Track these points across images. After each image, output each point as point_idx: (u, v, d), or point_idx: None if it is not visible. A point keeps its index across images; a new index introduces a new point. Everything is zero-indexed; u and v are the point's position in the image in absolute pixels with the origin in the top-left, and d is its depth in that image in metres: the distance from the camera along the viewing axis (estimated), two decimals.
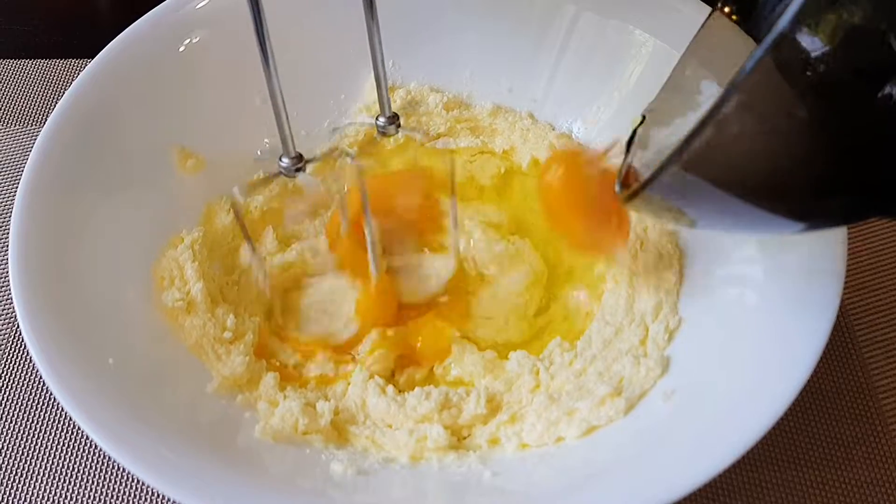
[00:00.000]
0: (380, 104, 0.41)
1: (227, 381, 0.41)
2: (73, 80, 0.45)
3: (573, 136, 0.51)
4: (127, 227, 0.43)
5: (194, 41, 0.48)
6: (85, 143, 0.43)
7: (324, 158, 0.43)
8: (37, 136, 0.43)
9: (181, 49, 0.48)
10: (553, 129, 0.51)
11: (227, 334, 0.43)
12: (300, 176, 0.39)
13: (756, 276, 0.41)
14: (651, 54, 0.48)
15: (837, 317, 0.37)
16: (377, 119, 0.42)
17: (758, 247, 0.42)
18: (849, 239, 0.39)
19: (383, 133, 0.42)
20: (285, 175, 0.39)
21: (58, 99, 0.44)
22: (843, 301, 0.46)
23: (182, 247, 0.44)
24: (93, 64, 0.45)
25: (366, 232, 0.41)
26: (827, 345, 0.36)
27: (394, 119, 0.42)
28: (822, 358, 0.36)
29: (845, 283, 0.38)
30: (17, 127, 0.57)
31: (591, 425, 0.40)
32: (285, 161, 0.39)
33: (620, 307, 0.45)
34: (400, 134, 0.43)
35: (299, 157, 0.39)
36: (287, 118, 0.38)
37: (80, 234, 0.41)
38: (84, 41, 0.58)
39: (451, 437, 0.40)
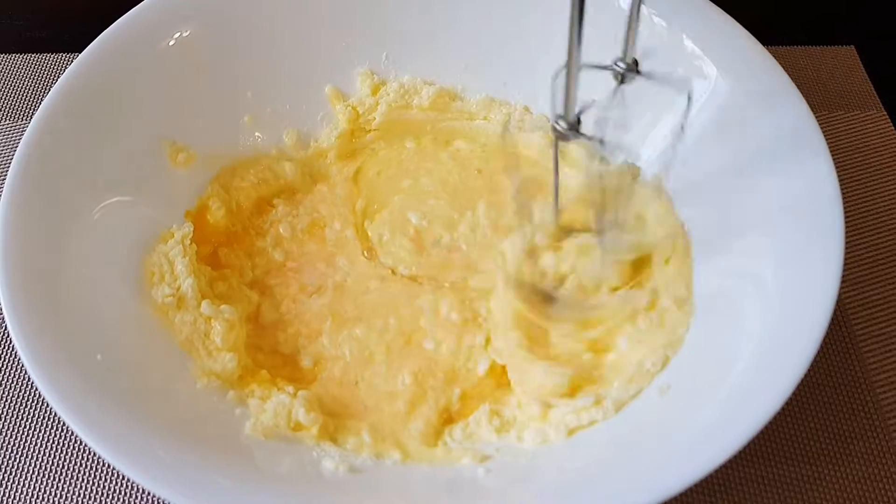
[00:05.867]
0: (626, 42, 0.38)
1: (218, 378, 0.40)
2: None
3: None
4: (117, 221, 0.43)
5: (184, 35, 0.47)
6: (73, 137, 0.43)
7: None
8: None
9: (171, 43, 0.47)
10: (548, 121, 0.50)
11: (218, 329, 0.42)
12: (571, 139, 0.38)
13: (752, 270, 0.41)
14: (647, 46, 0.47)
15: (835, 311, 0.37)
16: (617, 63, 0.39)
17: (754, 240, 0.41)
18: (846, 233, 0.39)
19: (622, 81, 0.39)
20: (560, 138, 0.38)
21: (48, 94, 0.43)
22: (840, 295, 0.46)
23: (172, 242, 0.44)
24: (81, 58, 0.45)
25: None
26: (824, 339, 0.36)
27: (635, 64, 0.39)
28: (819, 352, 0.35)
29: (843, 277, 0.38)
30: (8, 122, 0.56)
31: (588, 420, 0.39)
32: (564, 126, 0.37)
33: None
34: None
35: (578, 121, 0.37)
36: (577, 82, 0.36)
37: (69, 229, 0.41)
38: (75, 35, 0.58)
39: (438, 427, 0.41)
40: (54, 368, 0.36)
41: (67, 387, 0.35)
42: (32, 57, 0.60)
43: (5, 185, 0.40)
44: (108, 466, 0.42)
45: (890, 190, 0.52)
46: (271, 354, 0.44)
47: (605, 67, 0.39)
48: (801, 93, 0.43)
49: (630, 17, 0.37)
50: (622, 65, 0.38)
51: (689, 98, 0.41)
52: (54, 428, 0.44)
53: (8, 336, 0.46)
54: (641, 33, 0.47)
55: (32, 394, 0.45)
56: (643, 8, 0.47)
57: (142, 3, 0.47)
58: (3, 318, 0.42)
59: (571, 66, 0.35)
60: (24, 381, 0.45)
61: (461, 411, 0.42)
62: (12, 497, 0.41)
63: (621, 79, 0.39)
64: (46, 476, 0.42)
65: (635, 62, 0.38)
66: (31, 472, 0.42)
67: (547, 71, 0.50)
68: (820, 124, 0.42)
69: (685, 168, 0.46)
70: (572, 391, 0.41)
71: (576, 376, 0.41)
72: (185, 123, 0.47)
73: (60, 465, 0.42)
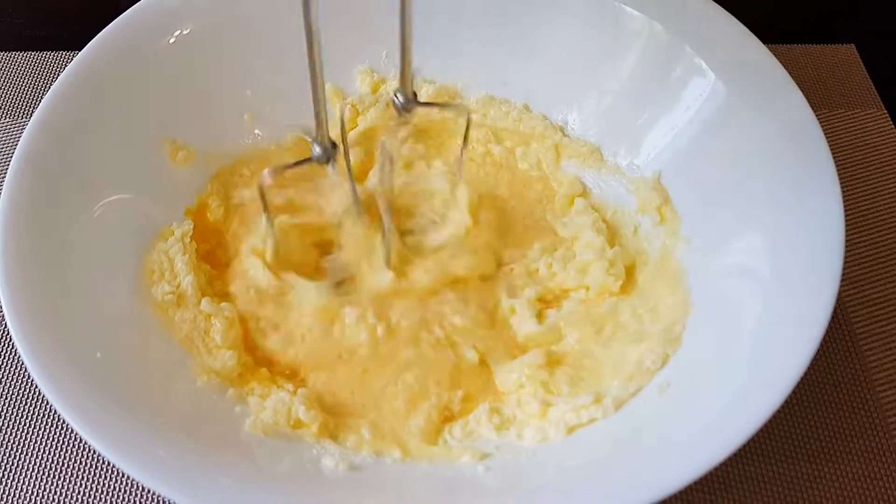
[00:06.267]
0: (402, 82, 0.39)
1: (218, 375, 0.40)
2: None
3: (568, 127, 0.50)
4: (117, 219, 0.43)
5: (184, 33, 0.47)
6: (73, 135, 0.43)
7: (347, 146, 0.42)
8: None
9: (171, 41, 0.47)
10: (546, 119, 0.50)
11: (218, 327, 0.42)
12: (330, 167, 0.38)
13: (753, 268, 0.41)
14: (647, 45, 0.47)
15: (835, 309, 0.37)
16: (396, 95, 0.40)
17: (755, 238, 0.41)
18: (846, 230, 0.39)
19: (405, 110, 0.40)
20: (316, 162, 0.38)
21: (48, 92, 0.43)
22: (840, 293, 0.46)
23: (172, 239, 0.44)
24: (81, 56, 0.45)
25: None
26: (824, 337, 0.36)
27: (414, 97, 0.40)
28: (819, 350, 0.36)
29: (843, 275, 0.38)
30: (8, 120, 0.56)
31: (587, 419, 0.39)
32: (318, 149, 0.38)
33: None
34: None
35: (332, 145, 0.38)
36: (325, 103, 0.37)
37: (69, 227, 0.41)
38: (74, 34, 0.58)
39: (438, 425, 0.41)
40: (54, 366, 0.36)
41: (67, 385, 0.35)
42: (32, 55, 0.60)
43: (5, 183, 0.40)
44: (109, 464, 0.42)
45: (890, 188, 0.52)
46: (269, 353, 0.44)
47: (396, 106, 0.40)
48: (802, 91, 0.43)
49: (402, 49, 0.37)
50: (401, 97, 0.39)
51: (469, 119, 0.43)
52: (55, 426, 0.44)
53: (8, 334, 0.46)
54: (640, 33, 0.47)
55: (33, 392, 0.45)
56: (641, 9, 0.47)
57: (141, 1, 0.47)
58: (3, 317, 0.42)
59: (316, 86, 0.36)
60: (25, 380, 0.45)
61: (462, 410, 0.42)
62: (13, 495, 0.41)
63: (402, 109, 0.39)
64: (47, 474, 0.42)
65: (414, 95, 0.39)
66: (31, 469, 0.42)
67: (546, 70, 0.50)
68: (820, 123, 0.42)
69: (685, 166, 0.46)
70: (551, 365, 0.42)
71: (551, 354, 0.42)
72: (185, 121, 0.47)
73: (61, 463, 0.42)
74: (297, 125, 0.41)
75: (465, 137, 0.43)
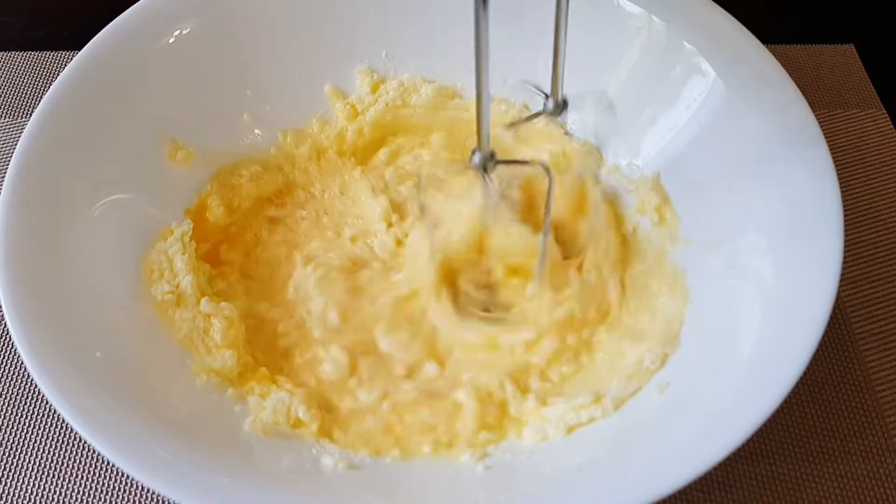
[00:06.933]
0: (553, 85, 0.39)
1: (218, 375, 0.40)
2: None
3: (568, 127, 0.50)
4: (116, 219, 0.43)
5: (184, 32, 0.47)
6: (73, 134, 0.43)
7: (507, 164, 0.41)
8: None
9: (171, 40, 0.47)
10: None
11: (217, 326, 0.42)
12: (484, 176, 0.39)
13: (752, 268, 0.41)
14: (646, 44, 0.48)
15: (834, 308, 0.37)
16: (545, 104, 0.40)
17: (755, 238, 0.41)
18: (845, 230, 0.39)
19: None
20: (472, 169, 0.39)
21: (48, 91, 0.43)
22: (839, 293, 0.46)
23: (172, 239, 0.44)
24: (80, 55, 0.45)
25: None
26: (823, 337, 0.36)
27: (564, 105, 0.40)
28: (818, 350, 0.36)
29: (842, 274, 0.38)
30: (7, 119, 0.56)
31: (587, 418, 0.39)
32: (477, 157, 0.38)
33: None
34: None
35: (492, 155, 0.39)
36: (489, 114, 0.37)
37: (68, 226, 0.41)
38: (74, 33, 0.58)
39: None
40: (54, 365, 0.36)
41: (67, 384, 0.35)
42: (32, 55, 0.60)
43: (5, 183, 0.40)
44: (109, 464, 0.42)
45: (889, 188, 0.52)
46: (266, 352, 0.44)
47: (534, 115, 0.42)
48: (801, 91, 0.43)
49: (555, 53, 0.37)
50: (551, 105, 0.40)
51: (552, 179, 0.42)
52: (55, 426, 0.44)
53: (7, 333, 0.47)
54: (639, 32, 0.47)
55: (33, 392, 0.45)
56: (640, 8, 0.47)
57: (141, 1, 0.47)
58: (3, 315, 0.42)
59: (481, 102, 0.36)
60: (25, 380, 0.45)
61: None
62: (13, 495, 0.41)
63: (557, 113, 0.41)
64: (47, 474, 0.42)
65: (564, 102, 0.40)
66: (31, 469, 0.42)
67: (546, 69, 0.50)
68: (819, 123, 0.42)
69: (684, 166, 0.46)
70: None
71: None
72: (185, 121, 0.47)
73: (61, 463, 0.43)
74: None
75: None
